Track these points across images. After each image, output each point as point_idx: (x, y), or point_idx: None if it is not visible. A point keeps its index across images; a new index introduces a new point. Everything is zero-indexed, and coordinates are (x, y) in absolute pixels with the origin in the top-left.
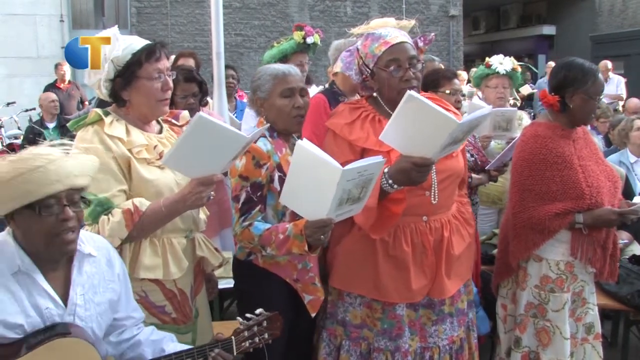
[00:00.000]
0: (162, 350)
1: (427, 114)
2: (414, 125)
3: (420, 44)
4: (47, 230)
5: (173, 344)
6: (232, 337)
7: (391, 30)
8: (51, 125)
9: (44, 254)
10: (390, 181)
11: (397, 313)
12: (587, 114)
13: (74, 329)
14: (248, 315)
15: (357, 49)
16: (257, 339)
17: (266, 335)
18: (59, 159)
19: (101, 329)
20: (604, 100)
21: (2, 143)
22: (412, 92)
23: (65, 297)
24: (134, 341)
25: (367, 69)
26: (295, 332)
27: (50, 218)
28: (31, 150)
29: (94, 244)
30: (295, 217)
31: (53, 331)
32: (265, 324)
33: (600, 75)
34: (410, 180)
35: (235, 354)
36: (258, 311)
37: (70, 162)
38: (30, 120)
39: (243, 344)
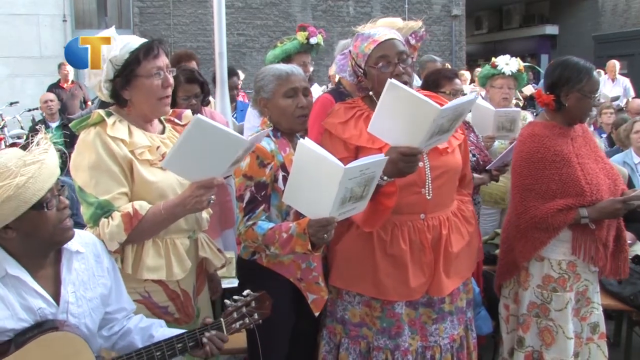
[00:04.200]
0: (150, 336)
1: (408, 101)
2: (397, 114)
3: (412, 42)
4: (53, 222)
5: (162, 329)
6: (222, 320)
7: (380, 29)
8: (54, 124)
9: (44, 248)
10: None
11: (396, 311)
12: (582, 112)
13: (62, 325)
14: (235, 297)
15: (350, 51)
16: (247, 320)
17: (256, 316)
18: (49, 152)
19: (95, 323)
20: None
21: (5, 143)
22: (393, 80)
23: (57, 296)
24: (124, 330)
25: (360, 69)
26: (298, 331)
27: (53, 210)
28: (18, 152)
29: (80, 241)
30: (299, 216)
31: (41, 328)
32: (254, 304)
33: (595, 74)
34: (399, 171)
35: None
36: (245, 292)
37: (51, 153)
38: (33, 120)
39: (233, 325)
